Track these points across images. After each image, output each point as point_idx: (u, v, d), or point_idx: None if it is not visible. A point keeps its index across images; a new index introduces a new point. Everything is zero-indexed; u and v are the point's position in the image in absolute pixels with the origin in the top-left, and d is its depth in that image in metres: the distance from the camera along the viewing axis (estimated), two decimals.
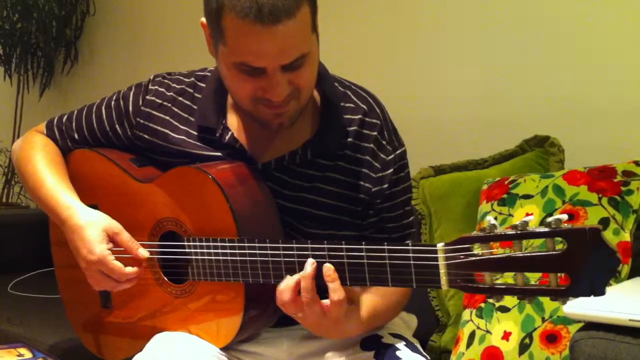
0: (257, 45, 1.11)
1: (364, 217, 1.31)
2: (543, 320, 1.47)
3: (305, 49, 1.15)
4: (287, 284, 1.11)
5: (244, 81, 1.17)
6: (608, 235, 1.49)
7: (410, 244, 1.06)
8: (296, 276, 1.11)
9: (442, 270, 1.02)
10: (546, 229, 0.93)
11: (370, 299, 1.22)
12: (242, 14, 1.09)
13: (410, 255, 1.05)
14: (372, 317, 1.22)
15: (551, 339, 1.45)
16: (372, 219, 1.31)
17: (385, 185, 1.29)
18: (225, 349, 1.27)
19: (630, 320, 1.16)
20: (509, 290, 0.97)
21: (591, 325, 1.22)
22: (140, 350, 1.27)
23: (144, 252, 1.26)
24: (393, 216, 1.32)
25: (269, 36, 1.10)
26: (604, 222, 1.50)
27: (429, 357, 1.30)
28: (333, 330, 1.15)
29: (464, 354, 1.57)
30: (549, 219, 0.92)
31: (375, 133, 1.30)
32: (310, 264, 1.11)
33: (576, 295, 0.93)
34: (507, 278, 1.00)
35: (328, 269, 1.10)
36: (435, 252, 1.03)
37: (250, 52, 1.13)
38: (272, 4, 1.08)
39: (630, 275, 1.48)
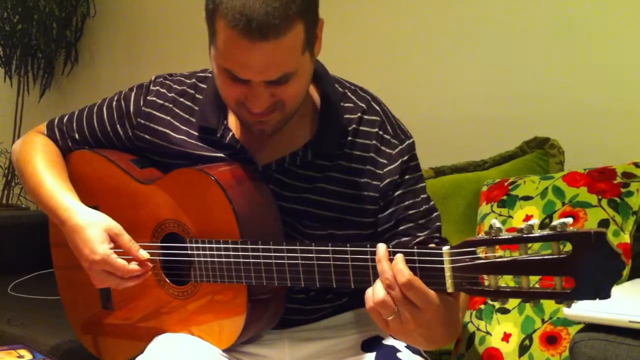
0: (243, 57, 1.11)
1: (379, 212, 1.28)
2: (543, 321, 1.47)
3: (290, 68, 1.14)
4: (377, 285, 1.04)
5: (230, 85, 1.18)
6: (608, 236, 1.49)
7: (415, 247, 1.05)
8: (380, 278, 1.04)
9: (448, 274, 1.01)
10: (552, 233, 0.93)
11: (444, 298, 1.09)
12: (231, 23, 1.09)
13: (416, 258, 1.04)
14: (458, 321, 1.16)
15: (551, 340, 1.45)
16: (389, 210, 1.28)
17: (396, 177, 1.28)
18: (226, 350, 1.27)
19: (630, 321, 1.16)
20: (515, 293, 0.97)
21: (591, 327, 1.22)
22: (142, 351, 1.27)
23: (144, 254, 1.26)
24: (411, 204, 1.28)
25: (254, 51, 1.10)
26: (604, 223, 1.50)
27: (429, 359, 1.30)
28: (429, 331, 1.06)
29: (463, 355, 1.57)
30: (555, 223, 0.92)
31: (376, 129, 1.30)
32: (400, 260, 1.03)
33: (581, 299, 0.93)
34: (508, 280, 1.00)
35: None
36: (441, 255, 1.02)
37: (236, 62, 1.13)
38: (261, 21, 1.07)
39: (630, 277, 1.48)
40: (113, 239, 1.25)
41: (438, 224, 1.29)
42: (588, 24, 1.90)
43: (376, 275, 1.06)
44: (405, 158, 1.29)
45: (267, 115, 1.19)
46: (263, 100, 1.16)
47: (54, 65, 3.47)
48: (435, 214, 1.30)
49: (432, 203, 1.31)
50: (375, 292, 1.04)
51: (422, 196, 1.30)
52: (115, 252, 1.24)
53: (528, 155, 1.86)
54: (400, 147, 1.30)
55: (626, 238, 1.49)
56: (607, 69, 1.87)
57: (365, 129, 1.30)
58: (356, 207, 1.28)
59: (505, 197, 1.66)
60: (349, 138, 1.29)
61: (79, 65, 3.46)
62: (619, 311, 1.18)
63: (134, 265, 1.24)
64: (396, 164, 1.28)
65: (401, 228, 1.27)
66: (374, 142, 1.30)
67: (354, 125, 1.30)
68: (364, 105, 1.32)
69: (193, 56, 2.32)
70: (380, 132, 1.30)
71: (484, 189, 1.75)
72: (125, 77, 3.17)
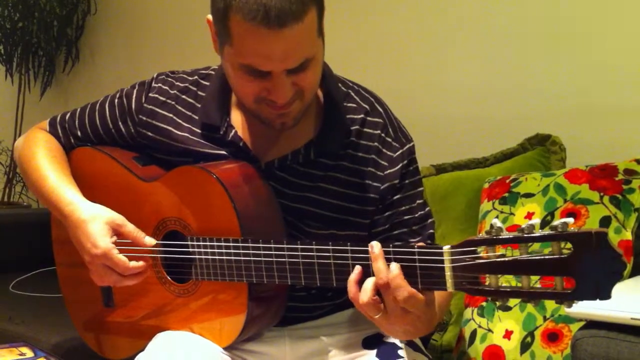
0: (263, 49, 1.11)
1: (376, 214, 1.29)
2: (544, 319, 1.47)
3: (310, 53, 1.15)
4: (367, 284, 1.07)
5: (249, 81, 1.17)
6: (610, 234, 1.48)
7: (415, 246, 1.06)
8: (372, 279, 1.06)
9: (448, 273, 1.01)
10: (552, 233, 0.92)
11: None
12: (249, 16, 1.09)
13: (416, 257, 1.04)
14: (440, 311, 1.19)
15: (553, 337, 1.45)
16: (386, 213, 1.29)
17: (396, 181, 1.28)
18: (227, 348, 1.27)
19: (632, 318, 1.16)
20: (515, 293, 0.97)
21: (593, 324, 1.22)
22: (143, 349, 1.27)
23: (150, 240, 1.26)
24: (407, 209, 1.29)
25: (275, 40, 1.10)
26: (606, 220, 1.50)
27: (430, 356, 1.30)
28: (413, 328, 1.09)
29: (465, 352, 1.57)
30: (555, 223, 0.92)
31: (379, 131, 1.31)
32: (397, 267, 1.05)
33: (582, 299, 0.93)
34: (509, 278, 1.00)
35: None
36: (441, 254, 1.02)
37: (257, 55, 1.13)
38: (279, 8, 1.08)
39: (632, 274, 1.48)
40: (117, 230, 1.26)
41: (431, 231, 1.31)
42: (589, 21, 1.90)
43: None
44: (405, 162, 1.30)
45: (289, 107, 1.20)
46: (286, 90, 1.16)
47: (54, 63, 3.47)
48: (429, 220, 1.32)
49: (427, 209, 1.32)
50: (363, 293, 1.06)
51: (419, 201, 1.31)
52: (121, 243, 1.25)
53: (529, 152, 1.86)
54: (400, 150, 1.30)
55: (628, 235, 1.49)
56: (608, 66, 1.87)
57: (368, 130, 1.31)
58: (357, 208, 1.29)
59: (506, 194, 1.66)
60: (352, 139, 1.30)
61: (79, 63, 3.47)
62: (621, 308, 1.18)
63: (134, 263, 1.23)
64: (396, 167, 1.29)
65: (395, 232, 1.29)
66: (376, 144, 1.30)
67: (357, 127, 1.30)
68: (367, 106, 1.32)
69: (194, 53, 2.32)
70: (383, 135, 1.31)
71: (486, 186, 1.75)
72: (126, 74, 3.17)
